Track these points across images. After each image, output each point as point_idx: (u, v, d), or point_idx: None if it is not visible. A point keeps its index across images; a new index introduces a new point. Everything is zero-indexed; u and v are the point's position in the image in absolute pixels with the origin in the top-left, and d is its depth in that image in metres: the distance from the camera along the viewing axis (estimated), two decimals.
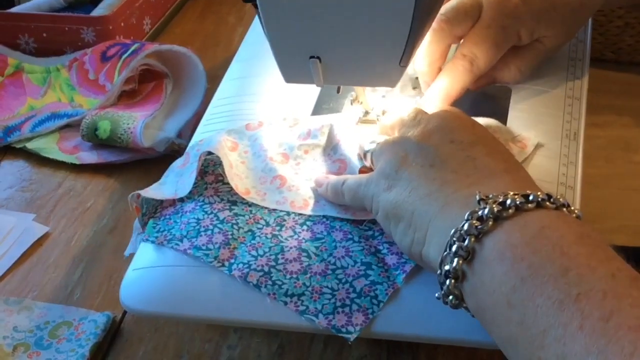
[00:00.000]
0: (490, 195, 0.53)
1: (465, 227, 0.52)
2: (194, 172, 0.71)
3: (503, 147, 0.62)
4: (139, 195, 0.71)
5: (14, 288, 0.81)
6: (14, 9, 1.17)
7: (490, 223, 0.52)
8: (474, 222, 0.52)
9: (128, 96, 1.04)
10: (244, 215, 0.69)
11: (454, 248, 0.53)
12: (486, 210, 0.52)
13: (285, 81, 0.70)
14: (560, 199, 0.54)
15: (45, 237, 0.87)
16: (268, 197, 0.71)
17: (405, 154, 0.62)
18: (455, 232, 0.53)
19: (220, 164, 0.72)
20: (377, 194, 0.62)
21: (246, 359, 0.71)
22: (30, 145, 0.99)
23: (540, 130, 0.75)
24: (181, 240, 0.67)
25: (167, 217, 0.70)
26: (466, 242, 0.52)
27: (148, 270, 0.66)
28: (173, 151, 0.93)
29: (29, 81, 1.09)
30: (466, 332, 0.59)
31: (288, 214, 0.70)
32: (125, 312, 0.77)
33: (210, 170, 0.74)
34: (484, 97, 0.82)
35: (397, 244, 0.61)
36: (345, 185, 0.67)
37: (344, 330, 0.61)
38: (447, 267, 0.53)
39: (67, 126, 1.02)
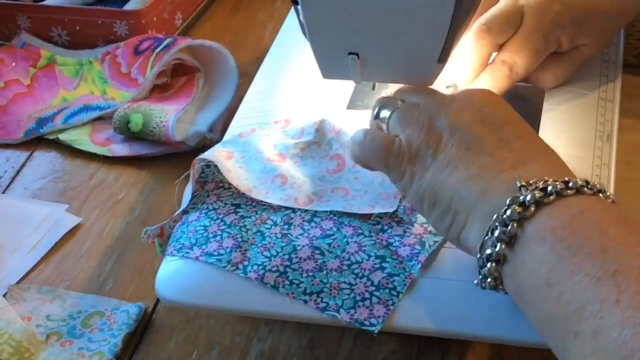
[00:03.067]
0: (531, 181, 0.55)
1: (508, 212, 0.54)
2: (191, 182, 0.72)
3: (528, 126, 0.62)
4: (162, 234, 0.72)
5: (46, 277, 0.82)
6: (48, 2, 1.18)
7: (533, 209, 0.53)
8: (516, 207, 0.53)
9: (160, 90, 1.05)
10: (250, 217, 0.70)
11: (496, 233, 0.54)
12: (528, 197, 0.53)
13: (323, 77, 0.70)
14: (597, 185, 0.55)
15: (77, 227, 0.88)
16: (271, 194, 0.71)
17: (439, 133, 0.61)
18: (497, 218, 0.54)
19: (220, 172, 0.72)
20: (404, 175, 0.62)
21: (277, 352, 0.72)
22: (62, 137, 1.00)
23: (573, 131, 0.75)
24: (191, 249, 0.68)
25: (174, 230, 0.71)
26: (509, 227, 0.53)
27: (183, 261, 0.67)
28: (204, 145, 0.94)
29: (62, 73, 1.10)
30: (493, 329, 0.61)
31: (294, 211, 0.70)
32: (157, 303, 0.77)
33: (210, 179, 0.74)
34: (517, 98, 0.82)
35: (431, 225, 0.62)
36: (367, 144, 0.65)
37: (367, 323, 0.62)
38: (488, 251, 0.55)
39: (99, 118, 1.02)
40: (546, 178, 0.54)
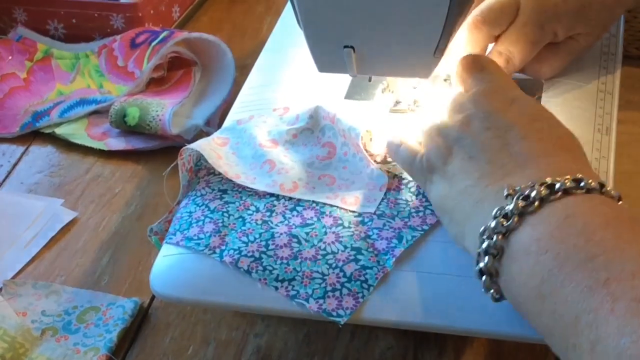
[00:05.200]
0: (518, 188, 0.54)
1: (493, 224, 0.53)
2: (183, 172, 0.72)
3: (544, 120, 0.61)
4: (167, 226, 0.72)
5: (42, 272, 0.81)
6: None
7: (516, 219, 0.52)
8: (501, 219, 0.53)
9: (156, 83, 1.04)
10: (234, 203, 0.70)
11: (484, 246, 0.54)
12: (511, 206, 0.52)
13: (319, 70, 0.70)
14: (592, 183, 0.53)
15: (73, 222, 0.87)
16: (258, 180, 0.71)
17: (449, 145, 0.62)
18: (484, 230, 0.54)
19: (207, 161, 0.72)
20: (425, 184, 0.64)
21: (273, 347, 0.71)
22: (58, 131, 1.00)
23: (572, 124, 0.73)
24: (174, 234, 0.68)
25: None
26: (494, 240, 0.53)
27: (178, 257, 0.66)
28: (201, 139, 0.93)
29: (58, 67, 1.10)
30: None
31: (278, 199, 0.70)
32: (153, 299, 0.77)
33: (203, 166, 0.74)
34: None
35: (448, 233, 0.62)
36: (398, 153, 0.68)
37: (334, 314, 0.61)
38: (481, 264, 0.54)
39: (95, 112, 1.02)
40: (534, 183, 0.53)
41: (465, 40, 0.74)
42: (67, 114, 1.01)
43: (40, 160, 0.97)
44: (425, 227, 0.66)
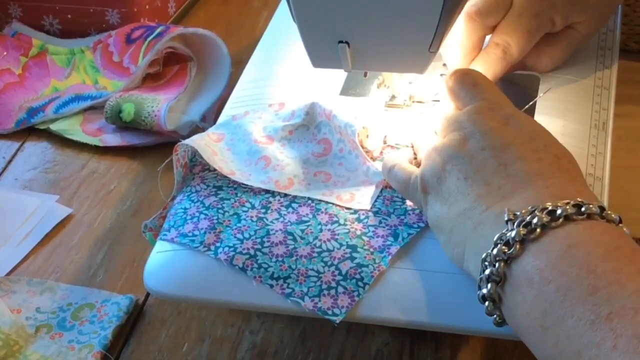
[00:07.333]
0: (518, 213, 0.53)
1: (495, 252, 0.53)
2: (178, 168, 0.72)
3: (541, 140, 0.60)
4: (161, 222, 0.71)
5: (36, 269, 0.81)
6: None
7: (518, 247, 0.52)
8: (503, 247, 0.52)
9: (152, 79, 1.04)
10: (229, 199, 0.70)
11: (487, 272, 0.53)
12: (513, 234, 0.52)
13: (313, 66, 0.70)
14: (592, 207, 0.52)
15: (68, 218, 0.87)
16: (253, 177, 0.71)
17: (443, 163, 0.61)
18: (486, 257, 0.54)
19: (201, 157, 0.72)
20: (420, 204, 0.63)
21: (268, 344, 0.71)
22: (54, 127, 0.99)
23: (568, 119, 0.74)
24: (169, 231, 0.68)
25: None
26: (496, 267, 0.53)
27: (172, 253, 0.66)
28: (196, 135, 0.93)
29: (53, 62, 1.09)
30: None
31: (273, 195, 0.70)
32: (147, 295, 0.77)
33: (198, 162, 0.74)
34: (512, 85, 0.81)
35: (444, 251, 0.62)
36: (392, 175, 0.67)
37: (329, 312, 0.61)
38: (484, 291, 0.54)
39: (91, 108, 1.01)
40: (534, 207, 0.53)
41: (461, 32, 0.74)
42: (62, 109, 1.01)
43: (35, 157, 0.97)
44: (421, 225, 0.65)
